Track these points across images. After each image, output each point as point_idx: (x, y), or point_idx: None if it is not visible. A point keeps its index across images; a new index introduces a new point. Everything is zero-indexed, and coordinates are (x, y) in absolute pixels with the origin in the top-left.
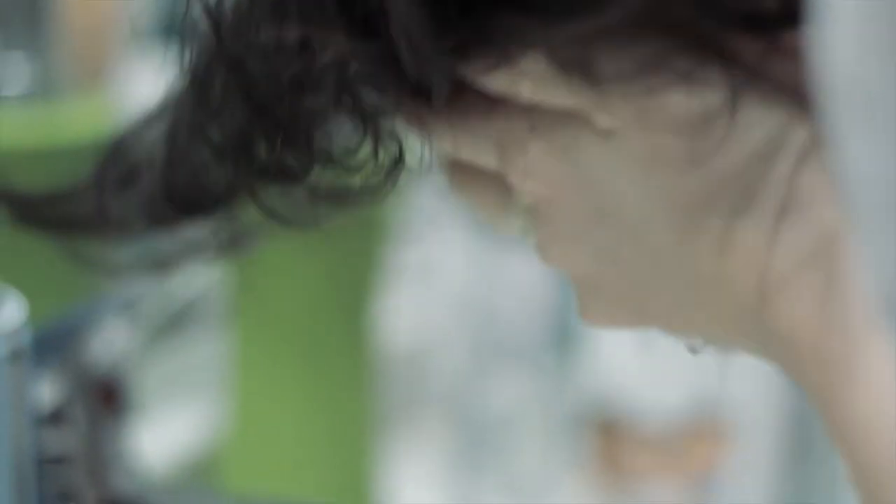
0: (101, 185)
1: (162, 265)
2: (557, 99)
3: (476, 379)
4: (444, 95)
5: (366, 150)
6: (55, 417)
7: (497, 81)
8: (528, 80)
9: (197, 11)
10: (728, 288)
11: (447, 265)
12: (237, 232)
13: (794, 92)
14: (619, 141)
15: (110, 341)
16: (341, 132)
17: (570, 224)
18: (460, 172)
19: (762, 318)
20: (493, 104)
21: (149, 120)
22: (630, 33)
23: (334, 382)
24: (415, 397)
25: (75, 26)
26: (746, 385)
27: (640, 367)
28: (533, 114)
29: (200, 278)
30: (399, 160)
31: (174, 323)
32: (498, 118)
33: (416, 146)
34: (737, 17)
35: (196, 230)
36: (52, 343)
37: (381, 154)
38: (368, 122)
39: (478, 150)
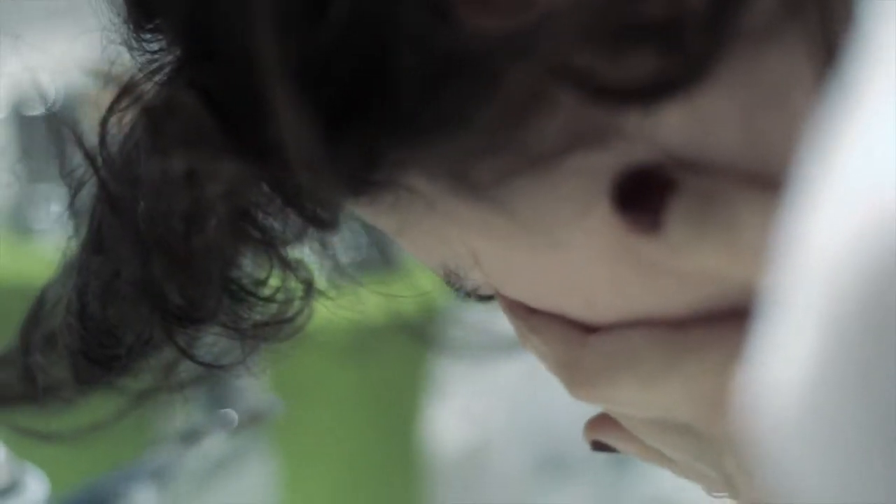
0: (26, 350)
1: (190, 435)
2: (452, 211)
3: (532, 490)
4: (341, 218)
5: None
6: None
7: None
8: (419, 201)
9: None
10: None
11: (499, 372)
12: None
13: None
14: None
15: None
16: (249, 263)
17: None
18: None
19: None
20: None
21: (64, 276)
22: (497, 134)
23: (386, 499)
24: None
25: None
26: None
27: None
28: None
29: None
30: (309, 287)
31: (214, 473)
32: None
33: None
34: (604, 89)
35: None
36: None
37: (292, 282)
38: (272, 251)
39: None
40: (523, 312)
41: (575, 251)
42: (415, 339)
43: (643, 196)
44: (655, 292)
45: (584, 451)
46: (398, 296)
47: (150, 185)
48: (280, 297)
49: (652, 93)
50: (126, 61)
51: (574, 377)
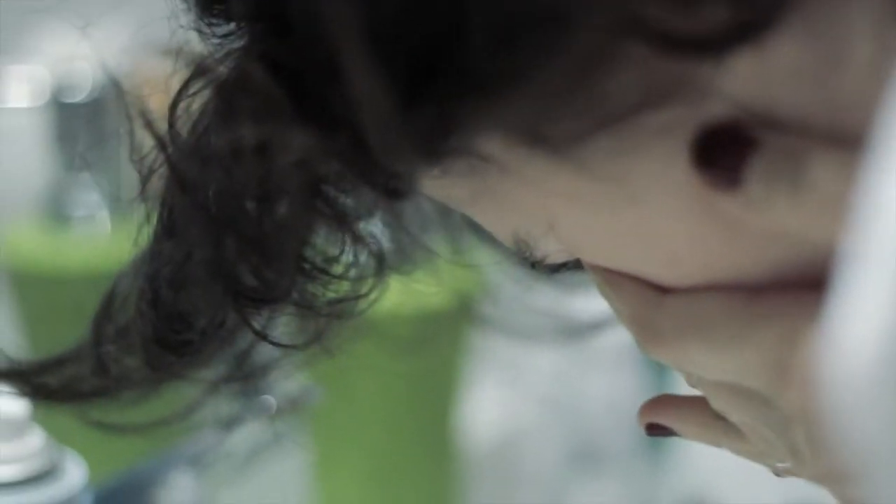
0: (98, 342)
1: (229, 421)
2: (530, 174)
3: (565, 482)
4: (416, 188)
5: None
6: None
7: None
8: (494, 167)
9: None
10: None
11: (533, 365)
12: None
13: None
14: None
15: (177, 498)
16: (321, 240)
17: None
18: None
19: None
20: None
21: (135, 266)
22: (573, 84)
23: (419, 489)
24: (501, 501)
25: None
26: None
27: (735, 469)
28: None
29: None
30: (381, 263)
31: (250, 459)
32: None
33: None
34: (676, 40)
35: (207, 373)
36: (116, 502)
37: (364, 259)
38: (345, 227)
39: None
40: (601, 268)
41: (656, 209)
42: (452, 331)
43: (723, 153)
44: (735, 251)
45: (618, 445)
46: (434, 288)
47: (221, 165)
48: (353, 273)
49: (723, 42)
50: (170, 48)
51: (647, 335)
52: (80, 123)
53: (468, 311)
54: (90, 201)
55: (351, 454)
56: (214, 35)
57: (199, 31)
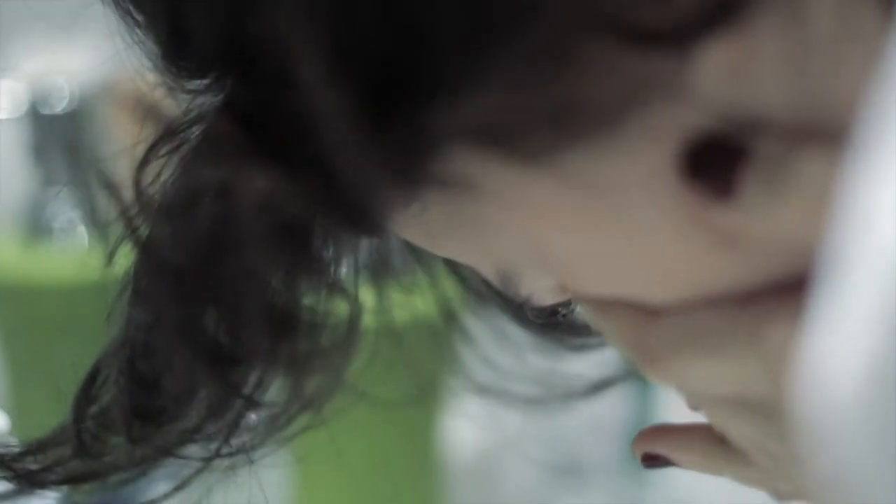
0: (79, 421)
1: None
2: (508, 194)
3: (548, 496)
4: (390, 225)
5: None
6: None
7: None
8: (470, 188)
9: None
10: None
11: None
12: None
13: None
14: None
15: None
16: (293, 291)
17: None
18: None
19: None
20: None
21: (112, 345)
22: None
23: (399, 499)
24: None
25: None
26: None
27: (719, 483)
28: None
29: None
30: (356, 315)
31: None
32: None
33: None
34: (645, 33)
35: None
36: None
37: (338, 308)
38: (317, 274)
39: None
40: (592, 298)
41: (644, 223)
42: (433, 344)
43: (712, 162)
44: (728, 261)
45: (601, 459)
46: (418, 299)
47: (185, 217)
48: (327, 323)
49: (696, 31)
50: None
51: (644, 358)
52: (57, 135)
53: (451, 323)
54: (68, 214)
55: (333, 469)
56: (182, 89)
57: (170, 88)
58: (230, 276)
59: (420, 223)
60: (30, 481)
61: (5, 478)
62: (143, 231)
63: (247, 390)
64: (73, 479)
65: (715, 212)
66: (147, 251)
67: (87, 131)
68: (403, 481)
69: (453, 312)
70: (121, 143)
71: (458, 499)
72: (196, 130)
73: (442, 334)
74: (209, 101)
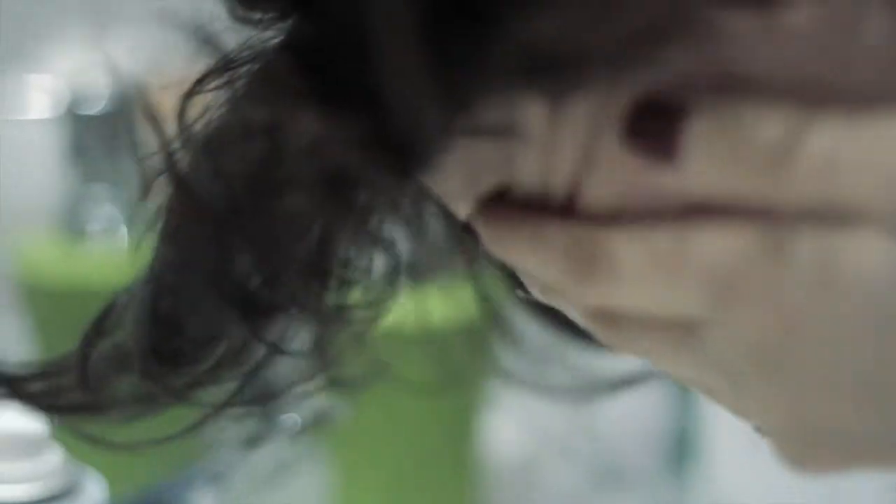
0: (85, 355)
1: (252, 440)
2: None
3: (588, 501)
4: (436, 159)
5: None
6: None
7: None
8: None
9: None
10: None
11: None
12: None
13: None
14: None
15: None
16: (335, 243)
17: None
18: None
19: None
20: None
21: (134, 283)
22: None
23: (441, 501)
24: None
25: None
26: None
27: (761, 488)
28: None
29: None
30: (396, 267)
31: (270, 477)
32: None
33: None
34: None
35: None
36: None
37: (378, 262)
38: (361, 224)
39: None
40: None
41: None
42: (475, 347)
43: (653, 128)
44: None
45: (642, 463)
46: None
47: (229, 155)
48: (365, 279)
49: None
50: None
51: (582, 275)
52: (96, 135)
53: (493, 326)
54: (106, 215)
55: (373, 472)
56: (247, 21)
57: (234, 18)
58: (269, 219)
59: (469, 155)
60: (32, 404)
61: (7, 396)
62: (183, 166)
63: (270, 339)
64: (73, 409)
65: (658, 174)
66: (185, 188)
67: (127, 131)
68: (443, 482)
69: (495, 308)
70: (165, 131)
71: (498, 501)
72: (250, 67)
73: (483, 331)
74: (268, 38)
